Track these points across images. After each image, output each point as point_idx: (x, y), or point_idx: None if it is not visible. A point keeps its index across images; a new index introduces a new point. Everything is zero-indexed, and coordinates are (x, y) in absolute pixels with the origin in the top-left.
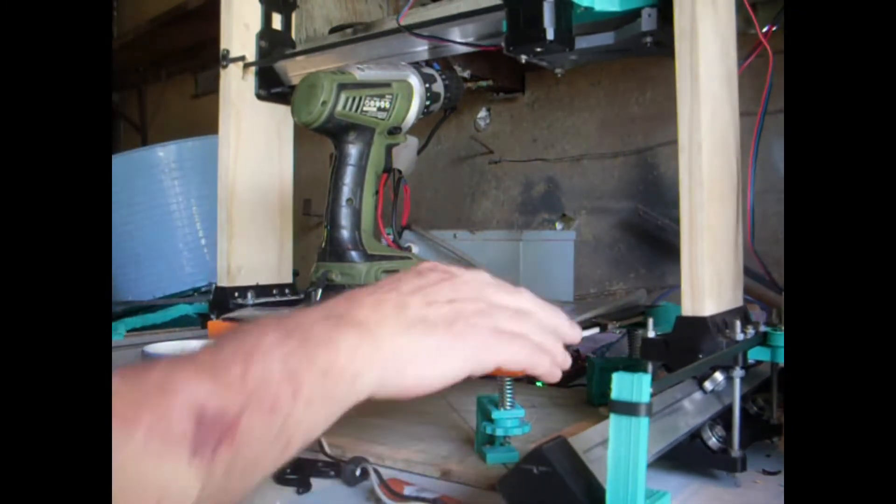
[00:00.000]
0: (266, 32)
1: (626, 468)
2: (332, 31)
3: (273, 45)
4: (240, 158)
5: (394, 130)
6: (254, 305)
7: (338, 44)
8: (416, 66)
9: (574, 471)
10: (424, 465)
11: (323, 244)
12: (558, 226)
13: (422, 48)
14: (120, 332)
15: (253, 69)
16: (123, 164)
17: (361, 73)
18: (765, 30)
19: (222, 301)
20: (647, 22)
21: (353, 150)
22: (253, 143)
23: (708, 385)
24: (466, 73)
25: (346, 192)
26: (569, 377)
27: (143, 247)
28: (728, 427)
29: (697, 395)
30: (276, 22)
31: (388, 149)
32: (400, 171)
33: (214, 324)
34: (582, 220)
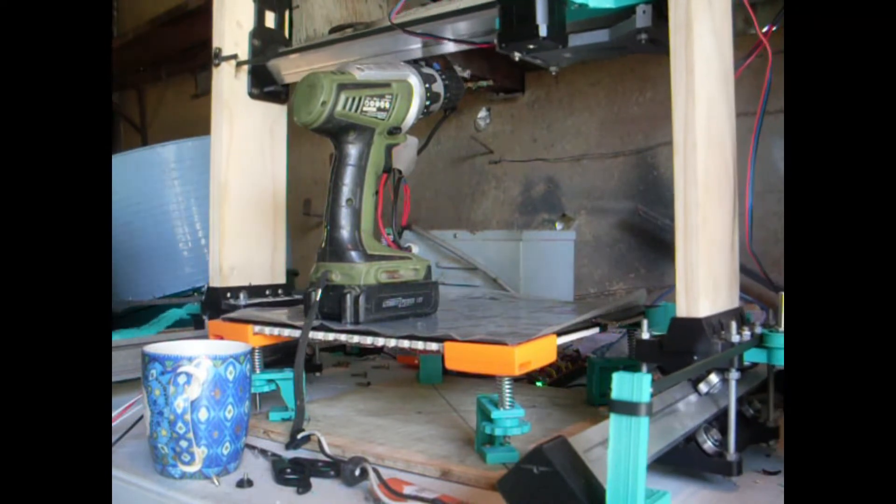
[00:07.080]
0: (259, 31)
1: (626, 468)
2: (332, 30)
3: (266, 43)
4: (232, 158)
5: (394, 130)
6: (248, 306)
7: (331, 42)
8: (416, 66)
9: (574, 470)
10: (424, 465)
11: (323, 244)
12: (558, 226)
13: (415, 46)
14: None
15: (246, 68)
16: (123, 164)
17: (361, 74)
18: (765, 30)
19: (215, 301)
20: (642, 19)
21: (352, 151)
22: (246, 142)
23: (703, 387)
24: (466, 73)
25: (345, 192)
26: (569, 377)
27: (143, 247)
28: (724, 430)
29: (692, 397)
30: (270, 20)
31: (388, 149)
32: (400, 171)
33: (215, 323)
34: (582, 220)
